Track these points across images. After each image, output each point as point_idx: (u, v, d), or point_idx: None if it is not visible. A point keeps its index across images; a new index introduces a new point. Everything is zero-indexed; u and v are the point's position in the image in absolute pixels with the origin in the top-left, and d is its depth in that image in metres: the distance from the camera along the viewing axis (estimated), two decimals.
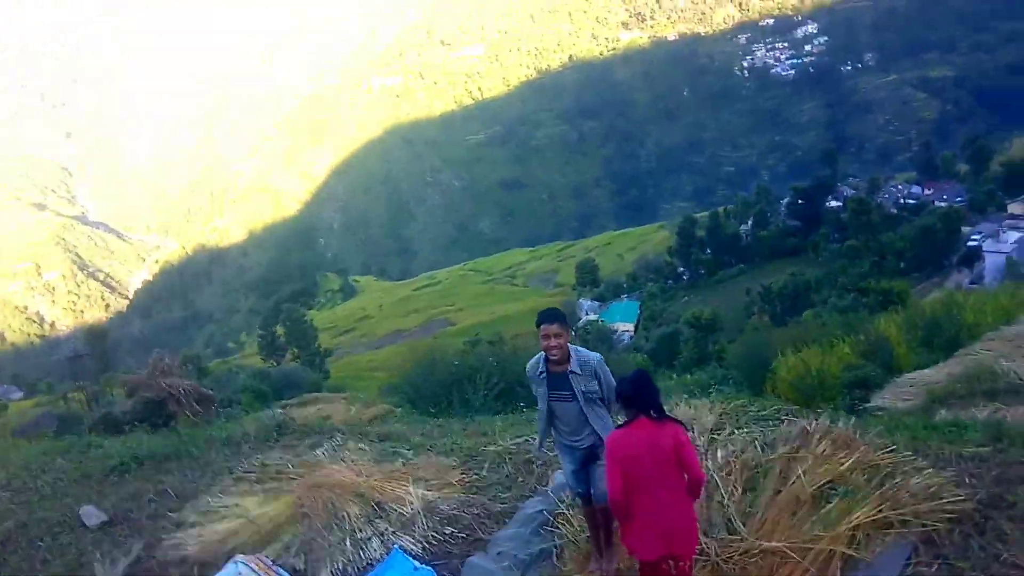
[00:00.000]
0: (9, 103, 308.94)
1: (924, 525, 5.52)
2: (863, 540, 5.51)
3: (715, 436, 7.60)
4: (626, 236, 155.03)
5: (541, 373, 5.81)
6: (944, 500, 5.69)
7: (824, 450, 6.30)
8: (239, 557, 6.66)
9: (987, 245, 75.81)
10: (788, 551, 5.51)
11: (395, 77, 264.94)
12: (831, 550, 5.42)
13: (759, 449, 6.64)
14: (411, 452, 8.71)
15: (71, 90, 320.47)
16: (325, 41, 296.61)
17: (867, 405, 13.24)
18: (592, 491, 6.02)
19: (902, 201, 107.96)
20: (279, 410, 12.04)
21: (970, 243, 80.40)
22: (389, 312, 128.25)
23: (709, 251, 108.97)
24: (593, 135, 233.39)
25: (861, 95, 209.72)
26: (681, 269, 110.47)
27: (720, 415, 8.22)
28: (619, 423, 5.04)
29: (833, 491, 5.90)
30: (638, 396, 4.86)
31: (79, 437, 11.50)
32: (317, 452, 8.91)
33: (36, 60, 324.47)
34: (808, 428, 6.62)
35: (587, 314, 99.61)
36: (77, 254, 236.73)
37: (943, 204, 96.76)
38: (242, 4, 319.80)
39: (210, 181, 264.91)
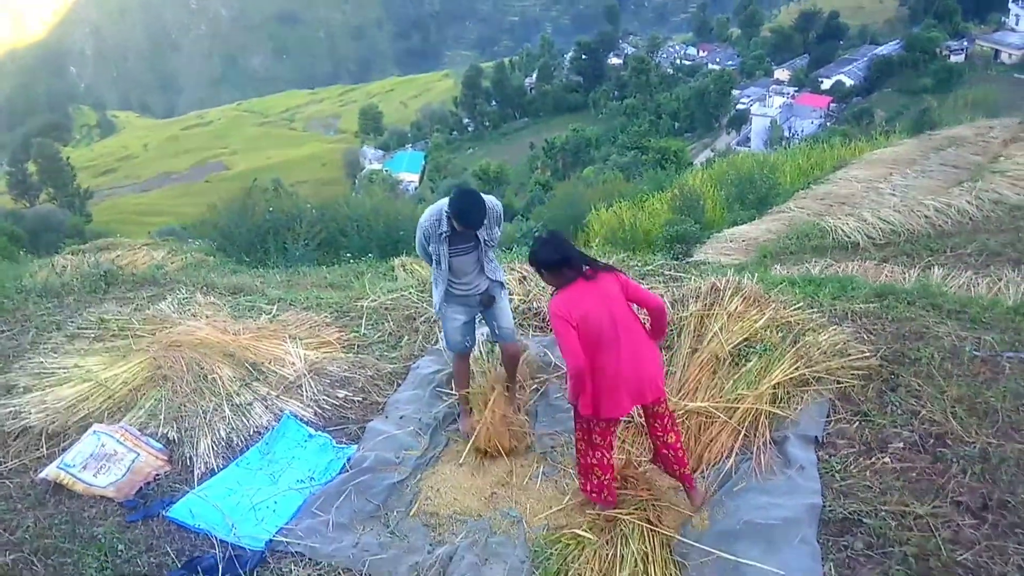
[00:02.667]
0: None
1: (838, 382, 5.65)
2: (784, 398, 5.57)
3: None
4: (410, 83, 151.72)
5: (443, 233, 5.28)
6: (852, 357, 5.84)
7: (736, 307, 6.27)
8: (98, 427, 5.83)
9: (755, 109, 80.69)
10: (715, 411, 5.48)
11: None
12: (756, 409, 5.43)
13: (669, 306, 6.51)
14: (273, 308, 7.94)
15: None
16: None
17: (690, 260, 13.71)
18: (497, 331, 5.80)
19: (679, 62, 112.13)
20: (99, 257, 10.63)
21: (739, 106, 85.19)
22: (155, 152, 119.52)
23: (494, 103, 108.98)
24: None
25: None
26: (466, 120, 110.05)
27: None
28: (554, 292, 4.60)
29: (751, 349, 5.90)
30: (567, 258, 4.45)
31: None
32: (161, 306, 7.94)
33: None
34: (718, 285, 6.55)
35: (371, 163, 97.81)
36: None
37: (716, 67, 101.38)
38: None
39: None
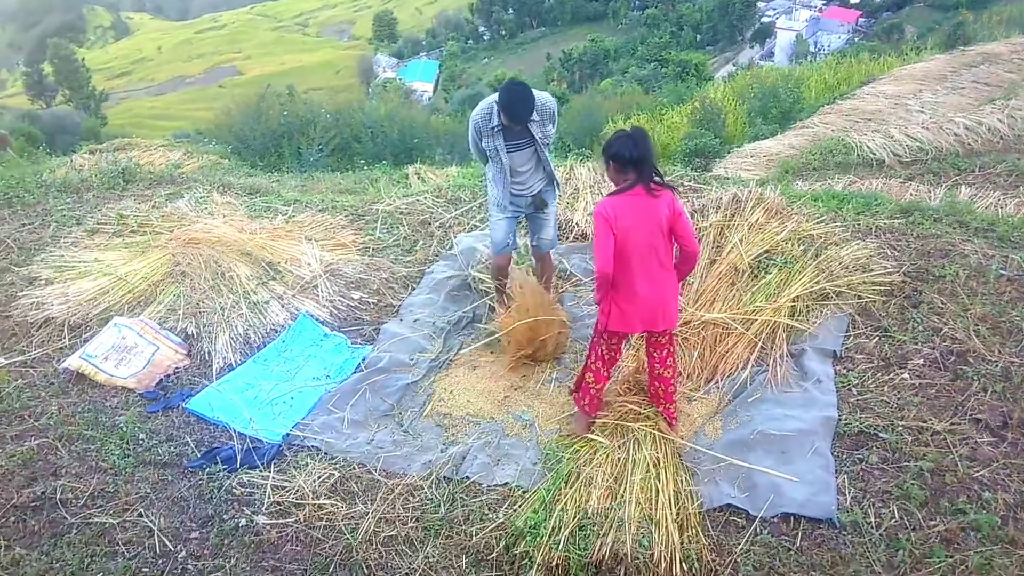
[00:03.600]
0: None
1: (859, 297, 5.62)
2: (803, 311, 5.54)
3: None
4: None
5: (495, 126, 5.20)
6: (874, 272, 5.79)
7: (758, 219, 6.20)
8: (119, 320, 5.88)
9: (780, 22, 78.61)
10: (731, 322, 5.46)
11: None
12: (774, 321, 5.41)
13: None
14: (290, 208, 7.91)
15: None
16: None
17: (710, 175, 13.54)
18: (536, 240, 5.79)
19: None
20: (117, 156, 10.57)
21: (764, 19, 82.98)
22: (169, 55, 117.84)
23: (511, 11, 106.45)
24: None
25: None
26: (482, 29, 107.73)
27: None
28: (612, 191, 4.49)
29: (771, 261, 5.85)
30: (640, 159, 4.24)
31: None
32: (179, 204, 7.91)
33: None
34: (740, 195, 6.46)
35: (384, 71, 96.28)
36: None
37: None
38: None
39: None
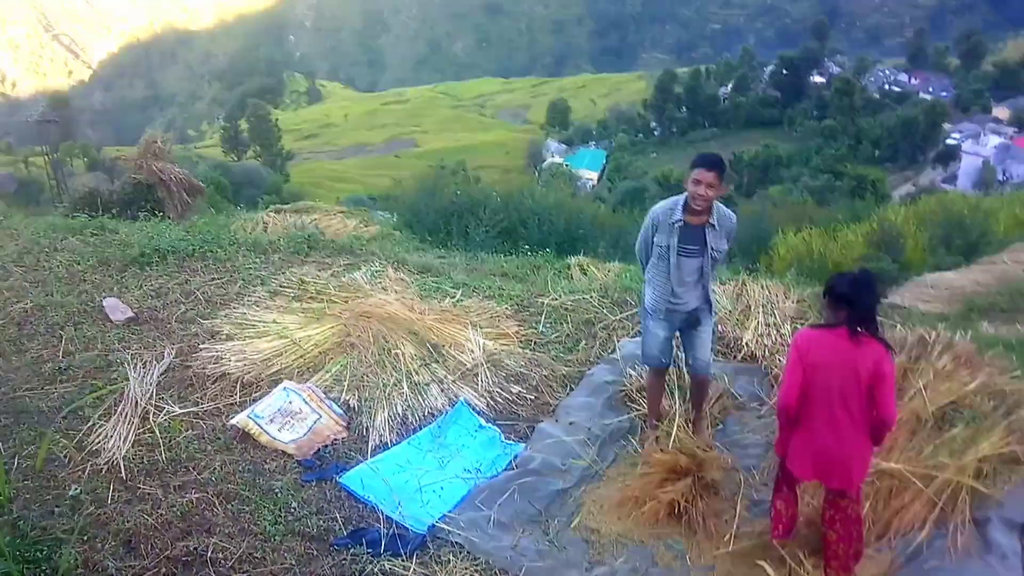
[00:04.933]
0: None
1: None
2: (991, 474, 5.11)
3: (798, 327, 7.13)
4: (601, 81, 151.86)
5: (677, 222, 5.15)
6: None
7: (945, 366, 5.83)
8: (289, 384, 6.10)
9: (967, 146, 75.68)
10: (910, 476, 5.10)
11: None
12: (957, 481, 5.01)
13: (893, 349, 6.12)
14: (459, 292, 8.07)
15: None
16: None
17: (887, 301, 12.97)
18: (691, 360, 5.62)
19: (887, 87, 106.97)
20: (303, 220, 11.19)
21: (949, 141, 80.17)
22: (354, 123, 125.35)
23: (685, 109, 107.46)
24: None
25: None
26: (654, 124, 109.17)
27: (798, 302, 7.72)
28: (817, 321, 4.33)
29: (957, 414, 5.46)
30: (857, 301, 4.07)
31: (91, 218, 10.53)
32: (356, 276, 8.23)
33: None
34: (927, 338, 6.12)
35: (553, 156, 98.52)
36: (43, 14, 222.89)
37: (928, 97, 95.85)
38: None
39: None
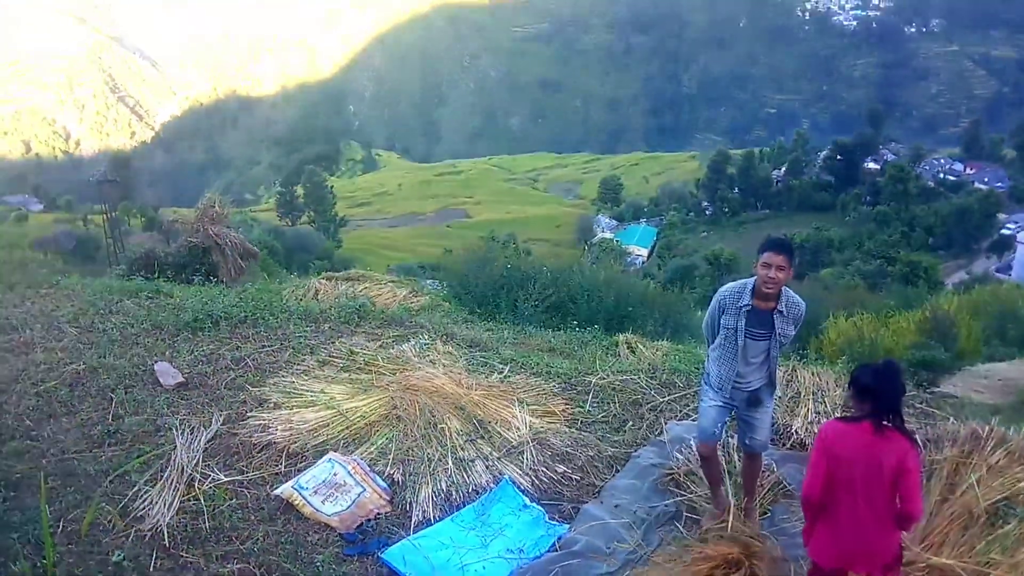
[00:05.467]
0: None
1: None
2: None
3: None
4: (654, 159, 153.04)
5: (745, 306, 5.15)
6: None
7: (999, 461, 5.67)
8: (334, 455, 6.11)
9: (1021, 236, 74.52)
10: (961, 572, 4.93)
11: None
12: None
13: (921, 449, 5.99)
14: (507, 368, 8.08)
15: None
16: None
17: (936, 390, 12.68)
18: (748, 440, 5.54)
19: (941, 176, 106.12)
20: (355, 290, 11.35)
21: (1004, 231, 79.08)
22: (407, 192, 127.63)
23: (737, 190, 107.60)
24: (640, 49, 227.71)
25: (919, 60, 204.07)
26: (705, 204, 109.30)
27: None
28: (843, 414, 4.30)
29: (1010, 510, 5.30)
30: (881, 394, 4.04)
31: (146, 280, 10.83)
32: (404, 348, 8.29)
33: None
34: (979, 432, 5.97)
35: (603, 231, 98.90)
36: (110, 76, 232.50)
37: (983, 187, 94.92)
38: None
39: (249, 28, 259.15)
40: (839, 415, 4.26)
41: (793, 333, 5.30)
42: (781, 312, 5.14)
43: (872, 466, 4.03)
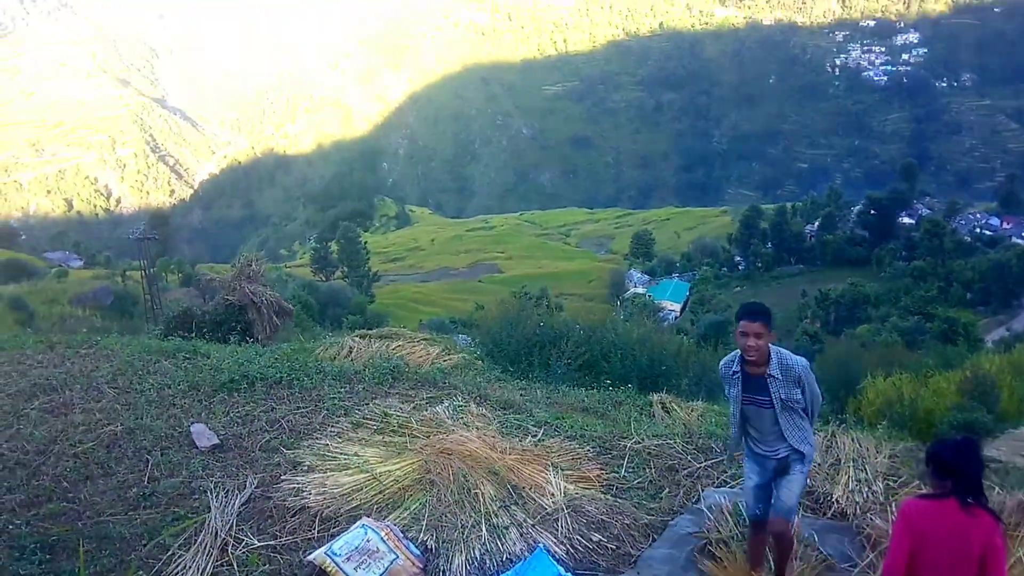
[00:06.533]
0: None
1: None
2: None
3: (891, 484, 6.86)
4: (686, 215, 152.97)
5: (735, 373, 5.14)
6: None
7: None
8: (367, 521, 6.07)
9: None
10: None
11: (483, 14, 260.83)
12: None
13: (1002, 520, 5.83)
14: (540, 431, 8.02)
15: None
16: None
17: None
18: (774, 501, 5.35)
19: (978, 230, 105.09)
20: (389, 348, 11.39)
21: None
22: (440, 248, 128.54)
23: (770, 245, 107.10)
24: (670, 106, 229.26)
25: (951, 115, 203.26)
26: (738, 259, 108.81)
27: (891, 457, 7.43)
28: (923, 492, 4.17)
29: None
30: (960, 471, 3.96)
31: (183, 339, 10.96)
32: (438, 410, 8.27)
33: None
34: None
35: (636, 286, 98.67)
36: (152, 136, 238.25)
37: (1021, 241, 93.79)
38: None
39: (286, 87, 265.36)
40: (920, 492, 4.13)
41: (801, 396, 5.13)
42: (774, 376, 5.04)
43: (960, 546, 3.94)
